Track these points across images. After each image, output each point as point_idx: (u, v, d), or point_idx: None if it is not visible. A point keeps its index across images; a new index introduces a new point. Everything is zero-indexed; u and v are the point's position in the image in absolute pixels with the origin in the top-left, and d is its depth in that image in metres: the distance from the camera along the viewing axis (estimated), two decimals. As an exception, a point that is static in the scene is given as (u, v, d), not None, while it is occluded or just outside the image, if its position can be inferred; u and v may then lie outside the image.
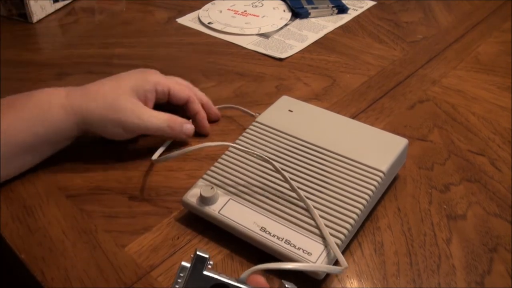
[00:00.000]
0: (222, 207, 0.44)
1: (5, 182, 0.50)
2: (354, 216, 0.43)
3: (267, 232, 0.42)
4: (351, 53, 0.73)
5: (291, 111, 0.53)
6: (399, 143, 0.49)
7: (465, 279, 0.42)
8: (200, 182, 0.47)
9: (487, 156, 0.54)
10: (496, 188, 0.50)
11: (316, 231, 0.42)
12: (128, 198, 0.49)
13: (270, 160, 0.46)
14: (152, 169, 0.52)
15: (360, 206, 0.43)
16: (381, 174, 0.46)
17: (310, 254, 0.40)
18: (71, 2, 0.88)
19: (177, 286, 0.31)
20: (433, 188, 0.50)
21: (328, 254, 0.41)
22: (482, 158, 0.54)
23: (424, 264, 0.43)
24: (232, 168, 0.48)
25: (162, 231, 0.46)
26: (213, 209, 0.44)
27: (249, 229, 0.42)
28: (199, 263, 0.31)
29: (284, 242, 0.41)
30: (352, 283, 0.42)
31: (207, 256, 0.32)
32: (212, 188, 0.45)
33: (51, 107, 0.49)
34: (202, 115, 0.56)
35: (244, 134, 0.51)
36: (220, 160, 0.48)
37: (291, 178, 0.46)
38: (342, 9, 0.84)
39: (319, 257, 0.40)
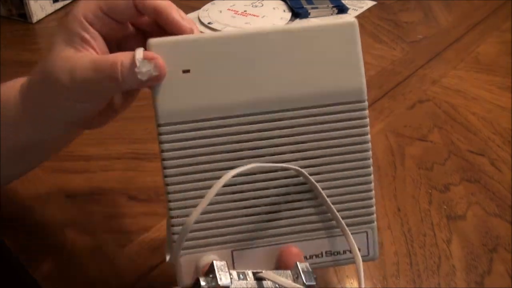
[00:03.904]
0: (233, 264, 0.34)
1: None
2: (369, 178, 0.35)
3: (307, 257, 0.35)
4: (351, 53, 0.73)
5: (187, 72, 0.33)
6: (348, 34, 0.34)
7: (465, 279, 0.42)
8: (183, 258, 0.33)
9: (487, 156, 0.54)
10: (496, 188, 0.50)
11: (347, 220, 0.34)
12: (128, 198, 0.49)
13: (292, 167, 0.33)
14: (152, 169, 0.52)
15: (367, 161, 0.35)
16: (362, 104, 0.34)
17: (359, 250, 0.34)
18: (71, 2, 0.88)
19: None
20: (433, 188, 0.50)
21: (372, 238, 0.35)
22: (482, 158, 0.54)
23: (424, 264, 0.43)
24: (211, 211, 0.33)
25: (162, 231, 0.45)
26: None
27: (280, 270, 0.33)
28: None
29: (326, 255, 0.35)
30: (352, 283, 0.42)
31: (228, 282, 0.28)
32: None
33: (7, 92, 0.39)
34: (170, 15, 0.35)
35: (164, 162, 0.34)
36: (174, 213, 0.33)
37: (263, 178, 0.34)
38: (342, 9, 0.84)
39: (368, 247, 0.35)
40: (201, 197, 0.31)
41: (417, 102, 0.63)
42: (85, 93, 0.34)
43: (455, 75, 0.68)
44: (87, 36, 0.34)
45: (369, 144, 0.35)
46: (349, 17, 0.35)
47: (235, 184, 0.33)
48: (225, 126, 0.33)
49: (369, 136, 0.35)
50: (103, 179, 0.51)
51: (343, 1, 0.86)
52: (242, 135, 0.33)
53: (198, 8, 0.85)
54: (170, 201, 0.33)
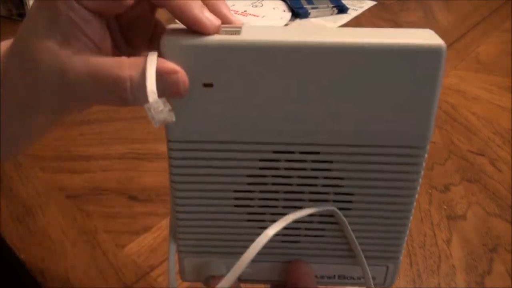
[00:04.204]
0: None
1: (5, 182, 0.50)
2: (407, 214, 0.30)
3: (318, 277, 0.32)
4: (351, 53, 0.73)
5: (209, 85, 0.26)
6: (430, 62, 0.25)
7: (465, 279, 0.42)
8: (186, 259, 0.32)
9: (487, 156, 0.54)
10: (496, 188, 0.50)
11: (368, 252, 0.31)
12: (128, 198, 0.49)
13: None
14: (152, 169, 0.52)
15: (409, 209, 0.30)
16: (422, 151, 0.28)
17: (374, 279, 0.32)
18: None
19: None
20: (433, 188, 0.50)
21: (393, 270, 0.32)
22: (482, 158, 0.54)
23: (424, 264, 0.43)
24: (212, 219, 0.30)
25: (162, 231, 0.45)
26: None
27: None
28: None
29: (339, 279, 0.32)
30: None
31: None
32: (213, 266, 0.31)
33: None
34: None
35: (174, 171, 0.29)
36: (182, 222, 0.30)
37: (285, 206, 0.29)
38: (342, 9, 0.84)
39: (385, 277, 0.32)
40: (210, 219, 0.30)
41: (417, 102, 0.63)
42: (79, 98, 0.27)
43: (455, 75, 0.68)
44: (75, 18, 0.25)
45: (417, 189, 0.29)
46: (436, 38, 0.25)
47: (251, 199, 0.29)
48: (245, 152, 0.28)
49: (419, 182, 0.29)
50: (103, 179, 0.51)
51: (343, 1, 0.86)
52: (266, 163, 0.28)
53: (198, 8, 0.85)
54: (178, 219, 0.30)
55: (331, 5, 0.84)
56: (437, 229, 0.46)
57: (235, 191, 0.29)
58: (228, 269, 0.29)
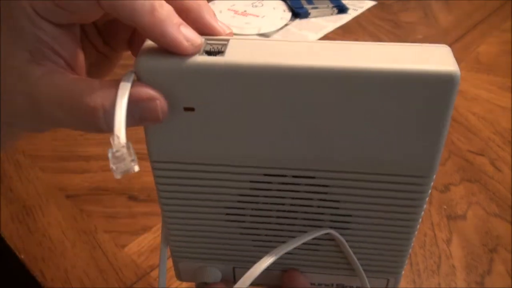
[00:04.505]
0: (234, 280, 0.32)
1: (5, 182, 0.50)
2: (410, 236, 0.29)
3: (311, 283, 0.32)
4: (351, 53, 0.73)
5: (191, 109, 0.24)
6: (446, 84, 0.22)
7: (465, 279, 0.42)
8: (180, 263, 0.32)
9: (487, 156, 0.54)
10: (496, 188, 0.50)
11: (368, 267, 0.30)
12: (128, 198, 0.49)
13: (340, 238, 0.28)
14: (152, 169, 0.52)
15: (412, 232, 0.29)
16: (427, 179, 0.26)
17: None
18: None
19: None
20: (433, 188, 0.50)
21: (394, 284, 0.31)
22: (482, 158, 0.54)
23: (424, 264, 0.43)
24: (206, 225, 0.29)
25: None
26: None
27: None
28: None
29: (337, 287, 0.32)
30: (352, 283, 0.42)
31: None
32: (208, 271, 0.31)
33: None
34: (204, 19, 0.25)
35: (160, 188, 0.29)
36: (173, 226, 0.30)
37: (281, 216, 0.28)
38: (342, 9, 0.84)
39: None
40: (202, 231, 0.29)
41: (417, 102, 0.63)
42: (51, 123, 0.25)
43: (455, 75, 0.68)
44: (42, 35, 0.23)
45: (421, 214, 0.28)
46: (450, 61, 0.22)
47: (243, 215, 0.28)
48: (234, 173, 0.26)
49: (423, 208, 0.28)
50: (103, 179, 0.51)
51: (343, 1, 0.86)
52: (256, 184, 0.27)
53: (198, 8, 0.85)
54: (169, 229, 0.30)
55: (331, 5, 0.84)
56: (437, 229, 0.46)
57: (226, 207, 0.28)
58: (224, 274, 0.29)
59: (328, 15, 0.84)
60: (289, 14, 0.83)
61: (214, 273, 0.31)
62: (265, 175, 0.26)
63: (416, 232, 0.29)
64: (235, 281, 0.30)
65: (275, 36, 0.77)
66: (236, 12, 0.84)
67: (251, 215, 0.28)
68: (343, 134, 0.24)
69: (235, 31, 0.85)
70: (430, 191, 0.27)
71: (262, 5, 0.86)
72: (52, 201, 0.48)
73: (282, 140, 0.24)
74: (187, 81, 0.23)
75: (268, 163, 0.25)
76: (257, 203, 0.27)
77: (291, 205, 0.27)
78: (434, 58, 0.22)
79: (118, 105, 0.21)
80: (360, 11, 0.86)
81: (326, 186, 0.26)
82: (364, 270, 0.30)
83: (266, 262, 0.27)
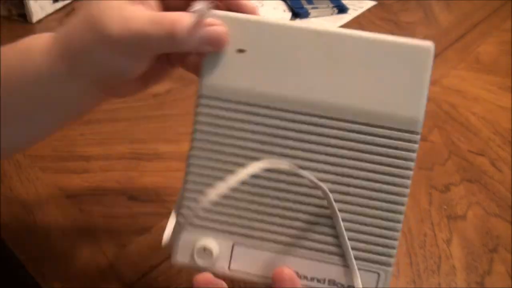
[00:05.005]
0: (230, 261, 0.33)
1: (5, 182, 0.50)
2: (399, 217, 0.32)
3: (303, 277, 0.32)
4: (351, 53, 0.73)
5: (243, 51, 0.31)
6: (421, 59, 0.32)
7: (465, 279, 0.42)
8: (183, 233, 0.33)
9: (487, 156, 0.54)
10: (496, 188, 0.50)
11: (360, 254, 0.32)
12: (128, 198, 0.49)
13: (326, 191, 0.31)
14: (152, 169, 0.52)
15: (401, 200, 0.31)
16: (415, 136, 0.31)
17: None
18: (71, 2, 0.88)
19: None
20: (433, 188, 0.50)
21: (384, 281, 0.32)
22: (482, 158, 0.54)
23: (424, 264, 0.43)
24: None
25: (161, 232, 0.45)
26: (221, 267, 0.32)
27: None
28: None
29: (328, 284, 0.32)
30: (352, 283, 0.42)
31: None
32: (207, 250, 0.32)
33: (29, 52, 0.36)
34: None
35: (197, 133, 0.32)
36: (189, 185, 0.33)
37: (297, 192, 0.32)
38: (342, 9, 0.84)
39: (377, 285, 0.32)
40: (220, 178, 0.30)
41: (417, 102, 0.63)
42: (135, 46, 0.31)
43: (455, 75, 0.68)
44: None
45: (409, 181, 0.31)
46: (427, 42, 0.32)
47: (256, 177, 0.31)
48: (264, 116, 0.32)
49: (412, 172, 0.31)
50: (103, 179, 0.51)
51: (343, 1, 0.86)
52: (280, 130, 0.32)
53: (198, 8, 0.85)
54: (189, 173, 0.33)
55: (331, 5, 0.84)
56: (437, 229, 0.46)
57: (248, 157, 0.32)
58: (221, 250, 0.32)
59: (328, 15, 0.84)
60: (289, 14, 0.83)
61: (210, 254, 0.32)
62: (290, 121, 0.32)
63: (402, 221, 0.32)
64: (230, 260, 0.32)
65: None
66: (236, 12, 0.84)
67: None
68: (346, 87, 0.31)
69: None
70: (416, 154, 0.31)
71: (262, 5, 0.86)
72: (52, 201, 0.48)
73: (304, 86, 0.31)
74: (243, 29, 0.31)
75: (292, 107, 0.31)
76: (284, 146, 0.32)
77: (303, 159, 0.32)
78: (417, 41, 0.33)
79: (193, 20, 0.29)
80: (360, 11, 0.86)
81: (333, 137, 0.31)
82: (355, 257, 0.32)
83: (251, 168, 0.30)
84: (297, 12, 0.83)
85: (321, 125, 0.31)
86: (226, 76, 0.31)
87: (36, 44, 0.36)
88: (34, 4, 0.80)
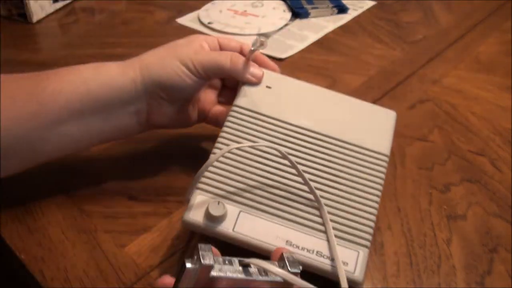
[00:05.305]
0: (235, 224, 0.39)
1: (5, 182, 0.50)
2: (373, 211, 0.41)
3: (295, 246, 0.38)
4: (351, 53, 0.73)
5: (269, 88, 0.47)
6: (389, 117, 0.47)
7: (465, 279, 0.42)
8: (199, 196, 0.40)
9: (487, 156, 0.54)
10: (496, 188, 0.50)
11: (344, 235, 0.40)
12: (128, 198, 0.49)
13: (289, 157, 0.41)
14: (152, 169, 0.52)
15: (375, 198, 0.41)
16: (385, 158, 0.44)
17: (346, 264, 0.38)
18: (71, 2, 0.88)
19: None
20: (433, 188, 0.50)
21: (362, 259, 0.39)
22: (482, 158, 0.54)
23: (424, 264, 0.43)
24: (231, 171, 0.42)
25: (161, 232, 0.45)
26: (226, 228, 0.39)
27: (274, 246, 0.38)
28: (205, 264, 0.30)
29: (316, 255, 0.38)
30: None
31: (209, 246, 0.31)
32: (220, 203, 0.39)
33: (104, 65, 0.46)
34: (261, 56, 0.50)
35: (227, 123, 0.44)
36: (205, 164, 0.40)
37: (295, 174, 0.42)
38: (342, 9, 0.84)
39: (356, 265, 0.38)
40: (231, 172, 0.42)
41: (417, 102, 0.63)
42: (204, 70, 0.46)
43: (455, 75, 0.68)
44: (205, 45, 0.48)
45: (381, 186, 0.42)
46: (391, 111, 0.49)
47: (261, 157, 0.43)
48: (272, 124, 0.45)
49: (383, 177, 0.43)
50: (103, 179, 0.51)
51: (343, 1, 0.86)
52: (285, 136, 0.44)
53: (198, 8, 0.85)
54: (215, 148, 0.43)
55: (331, 5, 0.84)
56: (437, 229, 0.46)
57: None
58: (229, 215, 0.39)
59: (328, 15, 0.84)
60: (289, 14, 0.83)
61: (222, 209, 0.39)
62: (300, 132, 0.45)
63: (378, 203, 0.41)
64: (235, 225, 0.39)
65: (275, 36, 0.77)
66: (236, 12, 0.84)
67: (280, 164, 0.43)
68: (335, 125, 0.46)
69: (235, 31, 0.87)
70: (385, 168, 0.44)
71: (262, 5, 0.86)
72: (52, 201, 0.48)
73: (308, 114, 0.46)
74: (272, 78, 0.49)
75: (302, 123, 0.45)
76: (291, 149, 0.44)
77: (305, 159, 0.43)
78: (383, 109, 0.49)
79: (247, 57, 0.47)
80: (360, 11, 0.86)
81: (321, 146, 0.44)
82: (339, 235, 0.40)
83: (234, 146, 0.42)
84: (297, 12, 0.83)
85: (314, 137, 0.44)
86: (254, 97, 0.47)
87: (107, 64, 0.47)
88: (34, 4, 0.80)
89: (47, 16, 0.84)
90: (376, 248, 0.44)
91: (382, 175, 0.43)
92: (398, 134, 0.50)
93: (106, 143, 0.51)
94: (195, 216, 0.39)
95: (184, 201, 0.48)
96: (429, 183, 0.51)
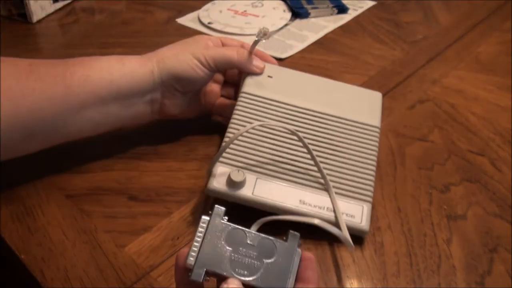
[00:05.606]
0: (253, 189, 0.45)
1: (5, 182, 0.50)
2: (371, 172, 0.47)
3: (308, 204, 0.44)
4: (351, 53, 0.73)
5: (270, 77, 0.54)
6: (376, 97, 0.55)
7: (465, 279, 0.42)
8: (220, 167, 0.46)
9: (487, 156, 0.54)
10: (496, 188, 0.50)
11: (349, 193, 0.46)
12: (128, 198, 0.49)
13: (296, 132, 0.45)
14: (152, 169, 0.52)
15: (372, 162, 0.48)
16: (377, 129, 0.51)
17: (353, 217, 0.44)
18: (71, 2, 0.88)
19: (200, 235, 0.33)
20: (433, 188, 0.50)
21: (367, 212, 0.45)
22: (482, 158, 0.54)
23: (424, 264, 0.43)
24: (247, 146, 0.47)
25: (161, 231, 0.45)
26: (246, 192, 0.44)
27: (289, 204, 0.44)
28: (217, 215, 0.34)
29: (327, 210, 0.44)
30: (352, 283, 0.42)
31: (223, 209, 0.35)
32: (240, 171, 0.44)
33: (125, 57, 0.50)
34: (262, 53, 0.56)
35: (238, 108, 0.51)
36: (228, 140, 0.45)
37: (301, 146, 0.47)
38: (342, 9, 0.84)
39: (362, 217, 0.44)
40: (250, 148, 0.48)
41: (417, 102, 0.63)
42: (215, 63, 0.51)
43: (455, 75, 0.68)
44: (210, 43, 0.53)
45: (376, 152, 0.49)
46: (377, 92, 0.56)
47: (272, 133, 0.49)
48: (277, 106, 0.51)
49: (377, 145, 0.50)
50: (103, 179, 0.51)
51: (343, 1, 0.86)
52: (289, 116, 0.51)
53: (198, 8, 0.85)
54: (229, 127, 0.49)
55: (331, 5, 0.84)
56: (437, 229, 0.46)
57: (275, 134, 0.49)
58: (247, 182, 0.45)
59: (328, 15, 0.84)
60: (289, 14, 0.83)
61: (242, 175, 0.44)
62: (303, 112, 0.51)
63: (376, 162, 0.49)
64: (254, 188, 0.45)
65: (275, 36, 0.77)
66: (236, 12, 0.84)
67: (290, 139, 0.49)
68: (331, 104, 0.53)
69: (235, 31, 0.88)
70: (378, 135, 0.51)
71: (262, 5, 0.86)
72: (52, 201, 0.48)
73: (308, 99, 0.53)
74: (273, 69, 0.55)
75: (305, 105, 0.52)
76: (298, 126, 0.50)
77: (309, 133, 0.50)
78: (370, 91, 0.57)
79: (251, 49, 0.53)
80: (360, 11, 0.86)
81: (321, 122, 0.51)
82: (345, 193, 0.46)
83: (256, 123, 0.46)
84: (297, 12, 0.83)
85: (315, 116, 0.51)
86: (258, 85, 0.53)
87: (126, 57, 0.50)
88: (34, 4, 0.80)
89: (47, 16, 0.84)
90: (376, 248, 0.44)
91: (376, 143, 0.50)
92: (398, 134, 0.50)
93: (107, 144, 0.52)
94: (219, 184, 0.44)
95: (184, 201, 0.48)
96: (429, 183, 0.51)
